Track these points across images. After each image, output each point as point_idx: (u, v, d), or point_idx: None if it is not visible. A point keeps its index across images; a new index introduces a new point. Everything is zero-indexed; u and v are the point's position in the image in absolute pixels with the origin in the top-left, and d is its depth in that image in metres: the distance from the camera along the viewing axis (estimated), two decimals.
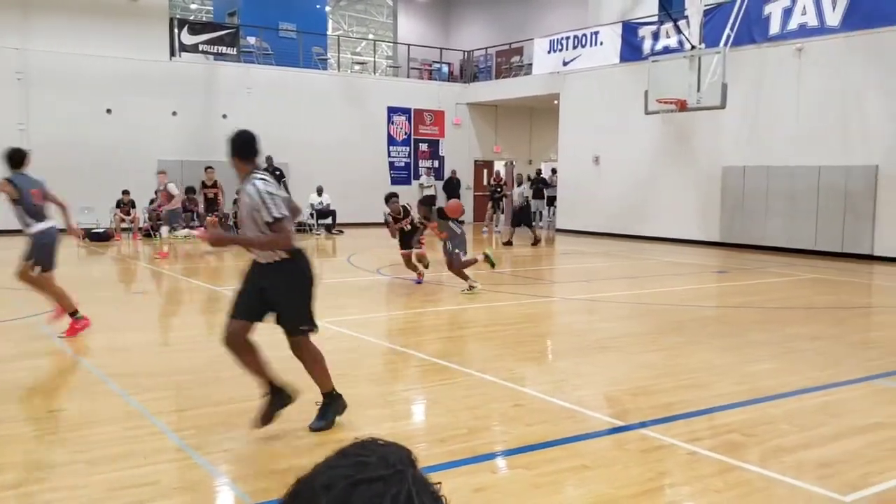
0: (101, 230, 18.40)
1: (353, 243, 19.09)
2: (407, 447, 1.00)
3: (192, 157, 20.80)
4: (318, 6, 25.76)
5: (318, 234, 20.93)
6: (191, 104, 21.07)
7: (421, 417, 5.65)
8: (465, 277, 10.65)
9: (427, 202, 11.25)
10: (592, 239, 20.33)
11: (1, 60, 18.80)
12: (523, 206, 18.80)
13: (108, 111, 19.95)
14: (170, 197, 15.79)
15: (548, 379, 6.50)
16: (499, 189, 22.20)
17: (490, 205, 22.26)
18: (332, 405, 4.88)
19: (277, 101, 22.06)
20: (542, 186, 25.15)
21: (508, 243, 18.34)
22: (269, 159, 20.87)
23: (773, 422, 5.18)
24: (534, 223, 19.44)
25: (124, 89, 20.04)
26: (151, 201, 18.13)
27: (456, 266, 10.66)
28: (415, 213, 11.46)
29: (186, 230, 17.32)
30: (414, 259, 11.60)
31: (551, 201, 23.77)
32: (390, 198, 11.53)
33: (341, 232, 21.23)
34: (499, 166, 26.88)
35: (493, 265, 11.35)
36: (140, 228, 19.10)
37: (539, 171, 25.72)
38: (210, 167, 16.73)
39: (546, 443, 4.70)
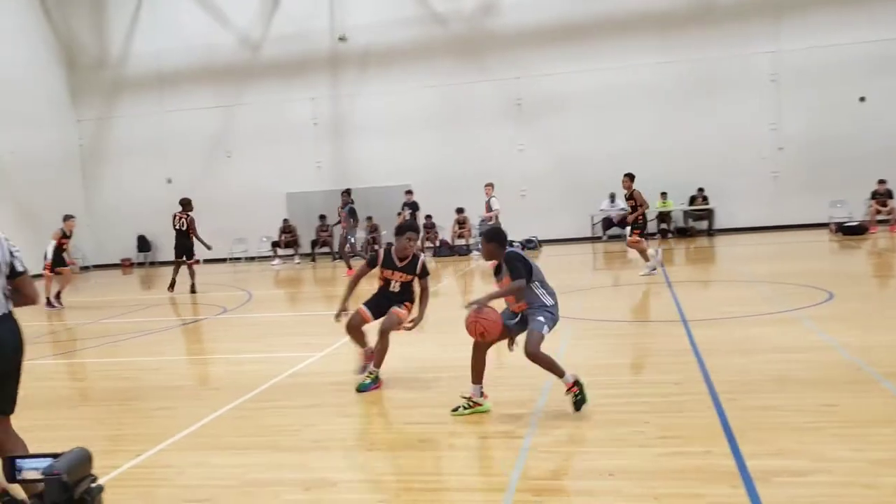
0: (855, 223, 18.04)
1: None
2: None
3: None
4: None
5: None
6: None
7: None
8: (560, 371, 5.33)
9: (495, 237, 5.45)
10: None
11: (755, 65, 19.92)
12: None
13: (862, 99, 19.21)
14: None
15: None
16: None
17: None
18: None
19: None
20: None
21: None
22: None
23: None
24: None
25: (876, 75, 19.01)
26: None
27: (533, 350, 5.23)
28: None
29: None
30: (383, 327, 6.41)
31: None
32: (404, 231, 6.49)
33: None
34: None
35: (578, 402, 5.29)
36: None
37: None
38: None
39: None
